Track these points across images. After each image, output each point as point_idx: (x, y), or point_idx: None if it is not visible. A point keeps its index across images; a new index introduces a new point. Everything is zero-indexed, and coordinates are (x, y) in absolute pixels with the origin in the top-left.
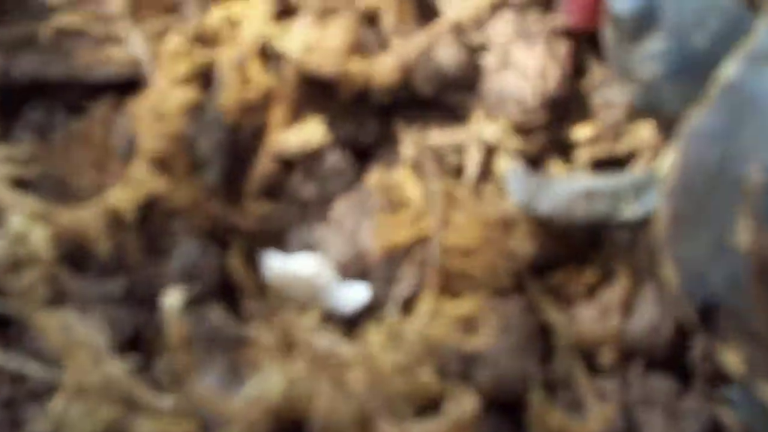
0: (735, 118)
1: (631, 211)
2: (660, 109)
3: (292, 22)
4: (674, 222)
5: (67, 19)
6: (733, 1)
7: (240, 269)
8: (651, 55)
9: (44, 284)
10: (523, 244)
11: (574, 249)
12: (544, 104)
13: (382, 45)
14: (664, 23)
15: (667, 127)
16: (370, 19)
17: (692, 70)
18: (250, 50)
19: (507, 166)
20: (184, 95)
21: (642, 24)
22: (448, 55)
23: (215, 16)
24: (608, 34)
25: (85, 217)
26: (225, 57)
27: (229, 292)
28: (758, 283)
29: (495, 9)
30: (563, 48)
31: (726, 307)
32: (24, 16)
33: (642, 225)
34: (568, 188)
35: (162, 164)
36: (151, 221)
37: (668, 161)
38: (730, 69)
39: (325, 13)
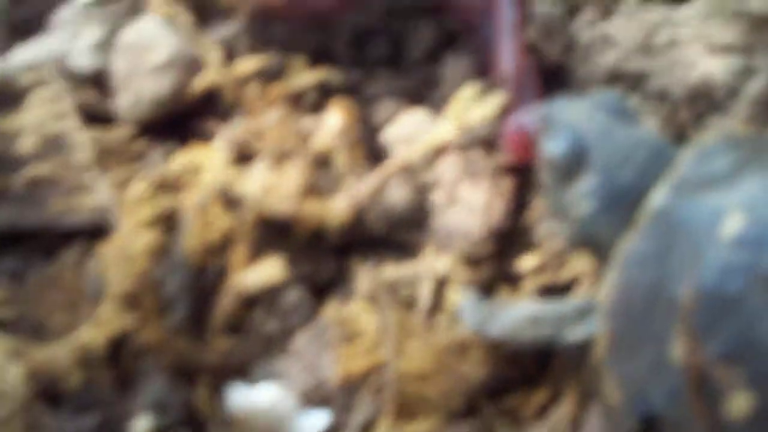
0: (664, 242)
1: (573, 334)
2: (595, 242)
3: (250, 167)
4: (613, 342)
5: (38, 169)
6: (655, 135)
7: (206, 402)
8: (583, 194)
9: (19, 419)
10: (476, 369)
11: (524, 372)
12: (490, 237)
13: (335, 186)
14: (592, 163)
15: (603, 256)
16: (323, 162)
17: (621, 203)
18: (211, 195)
19: (460, 294)
20: (148, 238)
21: (572, 166)
22: (398, 195)
23: (177, 163)
24: (543, 175)
25: (58, 355)
26: (187, 202)
27: (197, 424)
28: (695, 395)
29: (442, 149)
30: (507, 184)
31: (667, 420)
32: None
33: (585, 347)
34: (515, 314)
35: (130, 303)
36: (121, 358)
37: (605, 286)
38: (657, 197)
39: (280, 158)
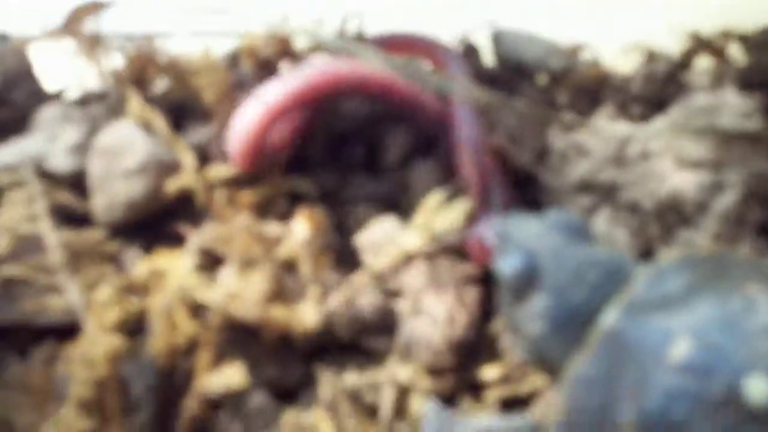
0: (614, 364)
1: None
2: (547, 360)
3: (217, 272)
4: None
5: (11, 270)
6: (608, 254)
7: None
8: (535, 313)
9: None
10: None
11: None
12: (452, 348)
13: (301, 292)
14: (544, 283)
15: (555, 374)
16: (289, 268)
17: (573, 323)
18: (176, 300)
19: (423, 404)
20: (112, 342)
21: (524, 285)
22: (366, 302)
23: (143, 268)
24: (498, 293)
25: None
26: (154, 306)
27: None
28: None
29: (409, 258)
30: (472, 294)
31: None
32: None
33: None
34: (471, 427)
35: (91, 408)
36: None
37: (554, 408)
38: (609, 317)
39: (247, 264)
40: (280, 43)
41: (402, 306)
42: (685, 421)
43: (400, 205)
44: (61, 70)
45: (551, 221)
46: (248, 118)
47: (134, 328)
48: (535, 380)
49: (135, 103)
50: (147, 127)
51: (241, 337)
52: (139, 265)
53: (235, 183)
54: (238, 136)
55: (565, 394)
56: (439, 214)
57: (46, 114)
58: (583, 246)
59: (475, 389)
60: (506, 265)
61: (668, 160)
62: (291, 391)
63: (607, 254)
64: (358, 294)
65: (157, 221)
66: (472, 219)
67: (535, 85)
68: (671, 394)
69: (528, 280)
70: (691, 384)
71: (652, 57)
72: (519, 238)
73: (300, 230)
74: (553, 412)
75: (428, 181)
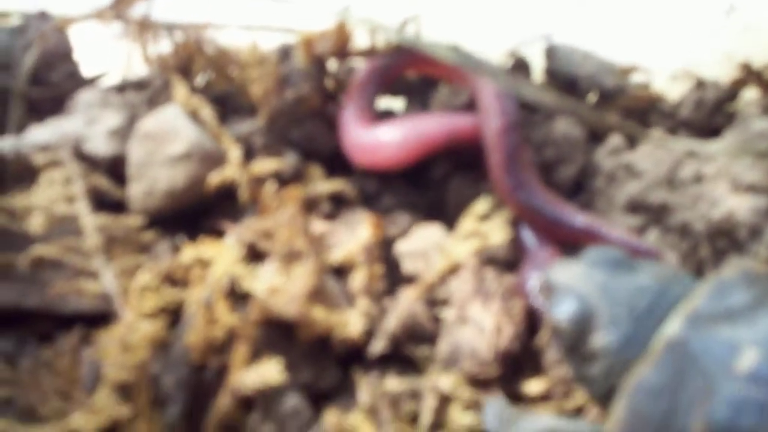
0: (677, 372)
1: None
2: (613, 389)
3: (259, 266)
4: None
5: (44, 250)
6: (654, 276)
7: None
8: (596, 352)
9: None
10: None
11: None
12: (498, 358)
13: (345, 297)
14: (600, 321)
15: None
16: (338, 271)
17: (633, 346)
18: (218, 290)
19: (464, 415)
20: (150, 328)
21: (581, 328)
22: (412, 313)
23: (187, 256)
24: (555, 342)
25: None
26: (193, 296)
27: None
28: None
29: (456, 269)
30: (518, 306)
31: None
32: (2, 246)
33: None
34: (534, 424)
35: (125, 394)
36: None
37: (613, 416)
38: (672, 327)
39: (290, 260)
40: (339, 40)
41: (448, 314)
42: (753, 430)
43: (441, 216)
44: (101, 54)
45: (592, 259)
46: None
47: (168, 320)
48: (581, 397)
49: (181, 90)
50: (193, 115)
51: (278, 337)
52: (182, 252)
53: (280, 179)
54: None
55: (627, 403)
56: (485, 224)
57: (84, 97)
58: (628, 276)
59: (519, 402)
60: (561, 313)
61: (722, 183)
62: (325, 396)
63: (653, 277)
64: (407, 305)
65: (195, 213)
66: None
67: (584, 102)
68: (739, 404)
69: (584, 323)
70: (759, 394)
71: (701, 84)
72: (566, 283)
73: (363, 236)
74: (609, 423)
75: (470, 193)
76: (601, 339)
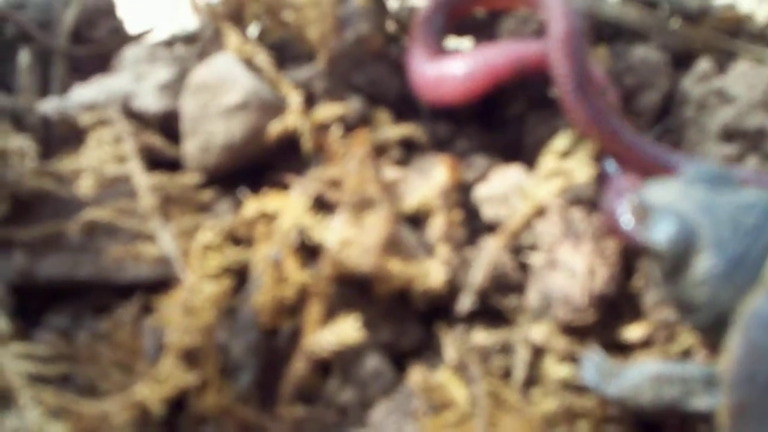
0: None
1: (699, 401)
2: (722, 321)
3: (329, 219)
4: (739, 414)
5: (96, 214)
6: (760, 194)
7: None
8: (699, 277)
9: None
10: None
11: None
12: (593, 303)
13: (423, 248)
14: (704, 242)
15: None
16: (413, 219)
17: (743, 273)
18: (287, 246)
19: (560, 367)
20: (214, 289)
21: (683, 250)
22: (497, 261)
23: (251, 209)
24: (653, 270)
25: (110, 412)
26: (260, 254)
27: None
28: None
29: (542, 210)
30: (611, 246)
31: None
32: (51, 213)
33: (708, 420)
34: (637, 372)
35: (192, 360)
36: (179, 425)
37: (728, 352)
38: None
39: (362, 209)
40: None
41: (535, 260)
42: None
43: (520, 156)
44: (146, 9)
45: (691, 176)
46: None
47: (233, 282)
48: (686, 340)
49: (234, 37)
50: (248, 63)
51: (354, 294)
52: (245, 207)
53: (345, 126)
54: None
55: (742, 337)
56: (568, 161)
57: (130, 53)
58: (732, 193)
59: (617, 352)
60: (659, 235)
61: None
62: (408, 355)
63: (759, 195)
64: (492, 254)
65: (256, 168)
66: (603, 179)
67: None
68: None
69: (686, 245)
70: None
71: None
72: (663, 203)
73: (439, 179)
74: (723, 360)
75: (548, 130)
76: (706, 262)
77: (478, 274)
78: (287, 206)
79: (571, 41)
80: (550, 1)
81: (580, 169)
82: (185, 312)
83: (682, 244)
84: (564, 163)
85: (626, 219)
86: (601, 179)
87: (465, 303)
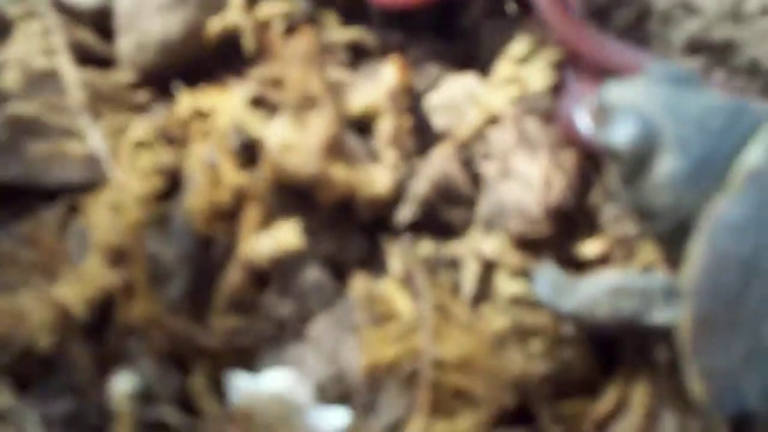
0: (763, 206)
1: (659, 315)
2: (684, 228)
3: (270, 120)
4: (701, 326)
5: (21, 108)
6: (727, 98)
7: (202, 391)
8: (661, 180)
9: None
10: (532, 365)
11: (588, 374)
12: (549, 214)
13: (369, 154)
14: (666, 143)
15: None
16: (358, 123)
17: (706, 179)
18: (223, 146)
19: (511, 282)
20: (145, 186)
21: (644, 151)
22: (446, 170)
23: (185, 106)
24: (611, 171)
25: (27, 309)
26: (195, 155)
27: (191, 415)
28: None
29: (493, 120)
30: (569, 156)
31: (763, 417)
32: None
33: (667, 335)
34: (594, 286)
35: (118, 259)
36: (104, 335)
37: (690, 261)
38: (752, 157)
39: (305, 111)
40: None
41: (488, 169)
42: None
43: (473, 65)
44: None
45: (656, 75)
46: None
47: (165, 188)
48: (647, 256)
49: None
50: None
51: (294, 201)
52: (179, 103)
53: (290, 26)
54: None
55: (707, 243)
56: (523, 67)
57: None
58: (698, 94)
59: (575, 267)
60: (619, 135)
61: None
62: (350, 268)
63: (726, 97)
64: (439, 163)
65: (194, 68)
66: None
67: None
68: None
69: (647, 145)
70: None
71: None
72: (624, 101)
73: (387, 79)
74: (685, 268)
75: (505, 39)
76: (668, 163)
77: (422, 183)
78: (225, 103)
79: None
80: None
81: (537, 77)
82: (113, 210)
83: (643, 144)
84: (520, 70)
85: (585, 123)
86: (559, 87)
87: (406, 213)
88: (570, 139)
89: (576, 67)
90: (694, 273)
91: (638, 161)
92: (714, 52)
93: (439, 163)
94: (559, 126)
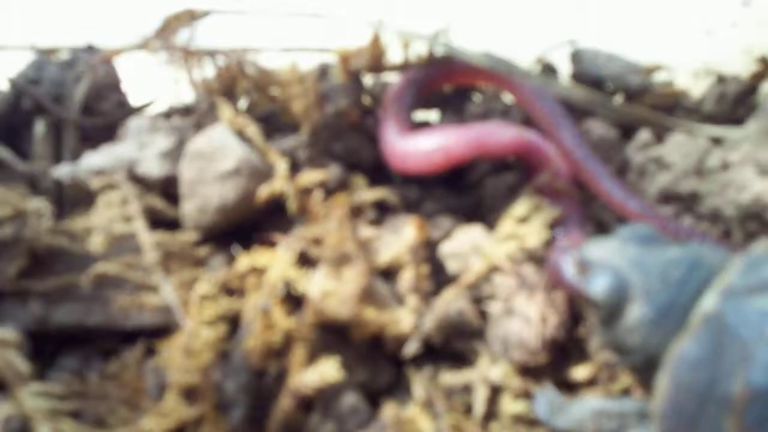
0: (716, 344)
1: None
2: (651, 363)
3: (311, 271)
4: None
5: (105, 268)
6: (685, 250)
7: None
8: (632, 324)
9: None
10: None
11: None
12: (545, 346)
13: (394, 297)
14: (635, 293)
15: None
16: (386, 272)
17: (670, 321)
18: (274, 295)
19: (515, 403)
20: (212, 333)
21: (617, 300)
22: (456, 307)
23: (242, 264)
24: (591, 317)
25: None
26: (250, 303)
27: None
28: None
29: (494, 269)
30: (560, 297)
31: None
32: (65, 267)
33: None
34: (581, 408)
35: (191, 396)
36: None
37: (657, 390)
38: (708, 302)
39: (340, 263)
40: (373, 55)
41: (494, 309)
42: None
43: (482, 217)
44: (148, 83)
45: (625, 235)
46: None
47: (227, 329)
48: (625, 380)
49: (227, 110)
50: (239, 133)
51: (333, 339)
52: (237, 261)
53: (326, 190)
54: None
55: (670, 376)
56: (524, 223)
57: (134, 124)
58: (660, 250)
59: (567, 388)
60: (597, 287)
61: (748, 169)
62: (381, 393)
63: (684, 251)
64: (451, 302)
65: (247, 227)
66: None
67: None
68: None
69: (620, 296)
70: None
71: (722, 79)
72: (601, 259)
73: (408, 237)
74: (654, 396)
75: (504, 194)
76: (637, 310)
77: (428, 321)
78: (275, 261)
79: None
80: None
81: (534, 235)
82: (185, 354)
83: (616, 295)
84: (520, 228)
85: (569, 273)
86: (551, 242)
87: (411, 346)
88: (557, 285)
89: (564, 225)
90: (659, 400)
91: (613, 309)
92: (682, 201)
93: (444, 303)
94: (548, 273)
